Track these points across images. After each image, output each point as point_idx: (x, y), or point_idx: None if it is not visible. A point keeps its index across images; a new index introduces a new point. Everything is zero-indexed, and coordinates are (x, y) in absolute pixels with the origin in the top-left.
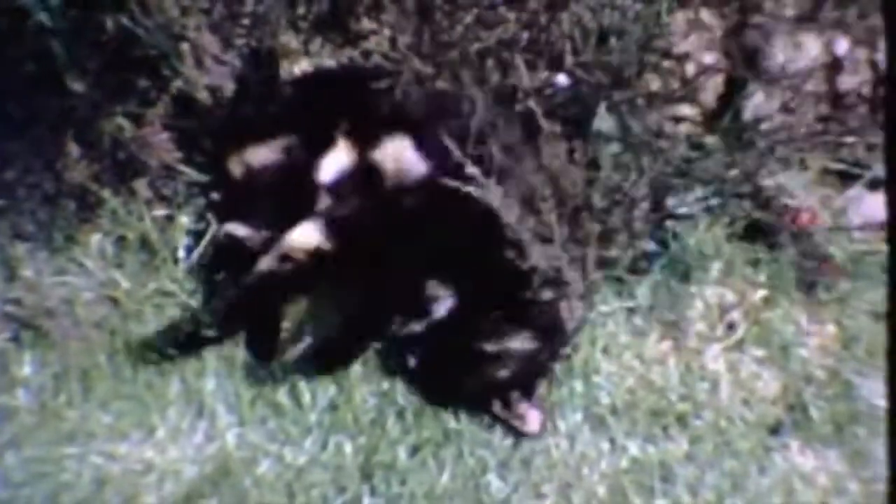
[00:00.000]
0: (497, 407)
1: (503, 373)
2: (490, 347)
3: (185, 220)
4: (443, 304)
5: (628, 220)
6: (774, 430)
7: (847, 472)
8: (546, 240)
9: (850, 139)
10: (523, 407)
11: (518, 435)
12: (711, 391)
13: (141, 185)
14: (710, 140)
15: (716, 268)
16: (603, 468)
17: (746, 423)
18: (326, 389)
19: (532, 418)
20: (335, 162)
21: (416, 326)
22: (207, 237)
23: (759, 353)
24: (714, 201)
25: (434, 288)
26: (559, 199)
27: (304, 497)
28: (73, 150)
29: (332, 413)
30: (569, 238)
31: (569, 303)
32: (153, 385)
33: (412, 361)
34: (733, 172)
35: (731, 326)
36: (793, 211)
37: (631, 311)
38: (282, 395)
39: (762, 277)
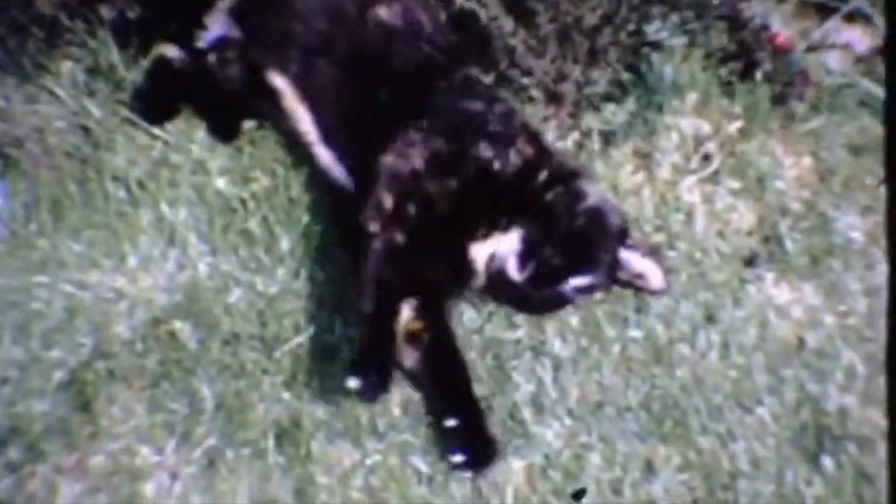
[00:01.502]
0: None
1: (614, 219)
2: (589, 202)
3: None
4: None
5: (616, 40)
6: (749, 261)
7: (822, 305)
8: (539, 54)
9: None
10: (639, 262)
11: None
12: (686, 223)
13: (106, 11)
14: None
15: (691, 98)
16: None
17: (721, 254)
18: (300, 219)
19: (652, 274)
20: None
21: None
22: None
23: (735, 184)
24: (692, 26)
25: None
26: (552, 17)
27: (276, 325)
28: None
29: (305, 242)
30: (559, 55)
31: (560, 118)
32: (124, 214)
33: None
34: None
35: (706, 158)
36: (770, 33)
37: (606, 140)
38: (254, 224)
39: (738, 109)
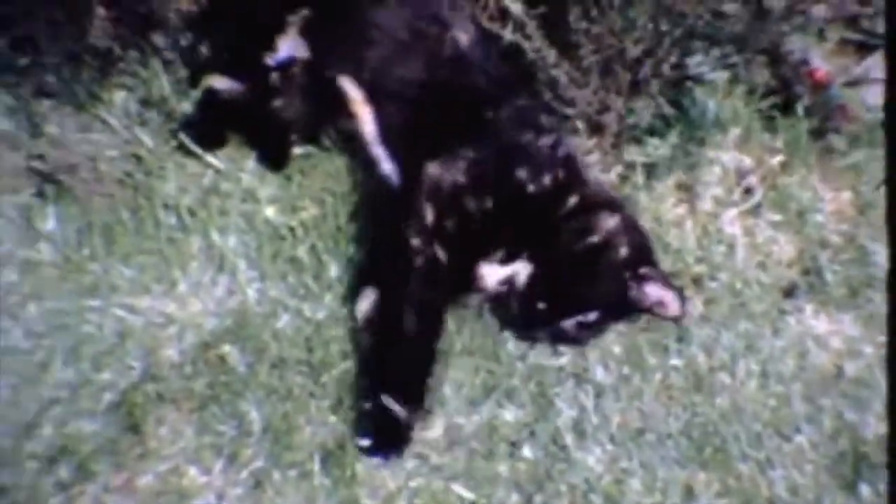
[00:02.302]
0: (636, 296)
1: (618, 254)
2: (594, 239)
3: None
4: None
5: (658, 73)
6: (789, 293)
7: (861, 335)
8: (582, 85)
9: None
10: (656, 291)
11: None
12: (727, 254)
13: (160, 40)
14: (731, 7)
15: (733, 132)
16: (619, 327)
17: (761, 285)
18: (347, 247)
19: (670, 301)
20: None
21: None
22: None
23: (776, 217)
24: (734, 59)
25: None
26: (594, 49)
27: (323, 351)
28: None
29: (352, 269)
30: (602, 87)
31: (603, 149)
32: (175, 240)
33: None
34: (754, 36)
35: (747, 191)
36: (810, 68)
37: (649, 173)
38: (302, 252)
39: (779, 143)
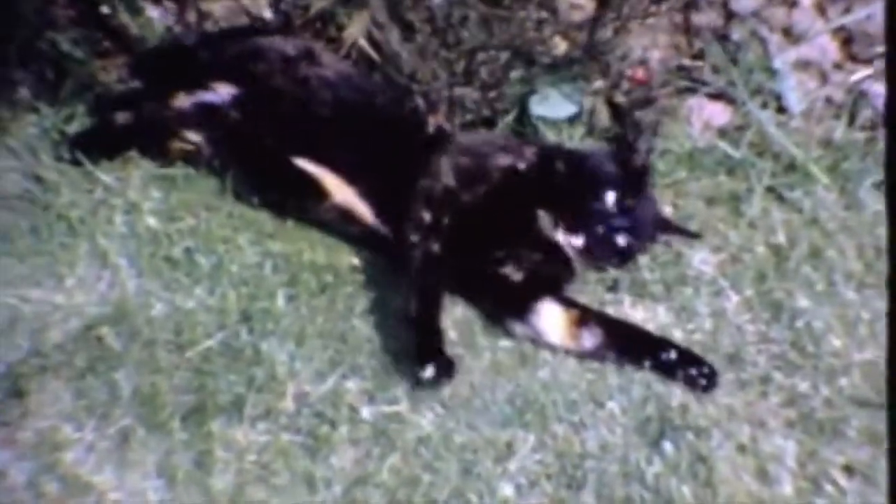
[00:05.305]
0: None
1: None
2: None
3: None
4: None
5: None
6: (612, 287)
7: (672, 322)
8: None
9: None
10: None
11: None
12: None
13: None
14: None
15: None
16: (457, 314)
17: (586, 281)
18: (217, 250)
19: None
20: None
21: None
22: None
23: None
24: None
25: None
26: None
27: (190, 334)
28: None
29: (219, 266)
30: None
31: (436, 116)
32: (66, 245)
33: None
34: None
35: None
36: (630, 71)
37: None
38: (177, 253)
39: None
